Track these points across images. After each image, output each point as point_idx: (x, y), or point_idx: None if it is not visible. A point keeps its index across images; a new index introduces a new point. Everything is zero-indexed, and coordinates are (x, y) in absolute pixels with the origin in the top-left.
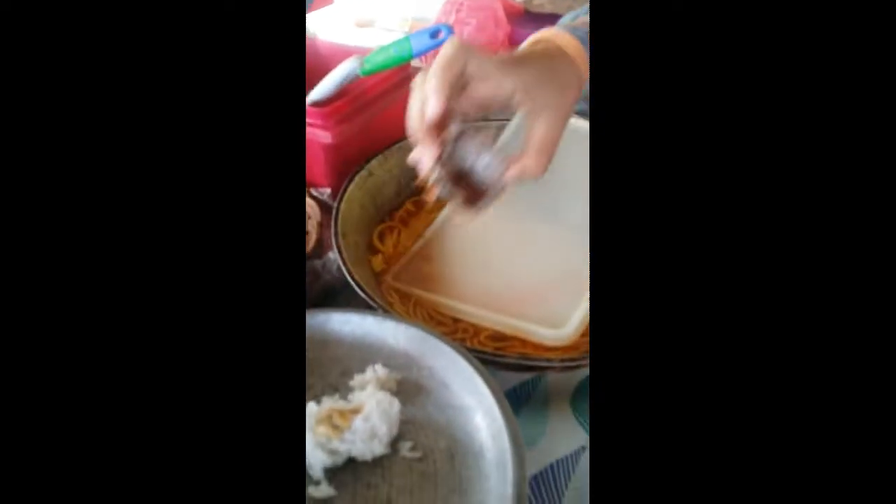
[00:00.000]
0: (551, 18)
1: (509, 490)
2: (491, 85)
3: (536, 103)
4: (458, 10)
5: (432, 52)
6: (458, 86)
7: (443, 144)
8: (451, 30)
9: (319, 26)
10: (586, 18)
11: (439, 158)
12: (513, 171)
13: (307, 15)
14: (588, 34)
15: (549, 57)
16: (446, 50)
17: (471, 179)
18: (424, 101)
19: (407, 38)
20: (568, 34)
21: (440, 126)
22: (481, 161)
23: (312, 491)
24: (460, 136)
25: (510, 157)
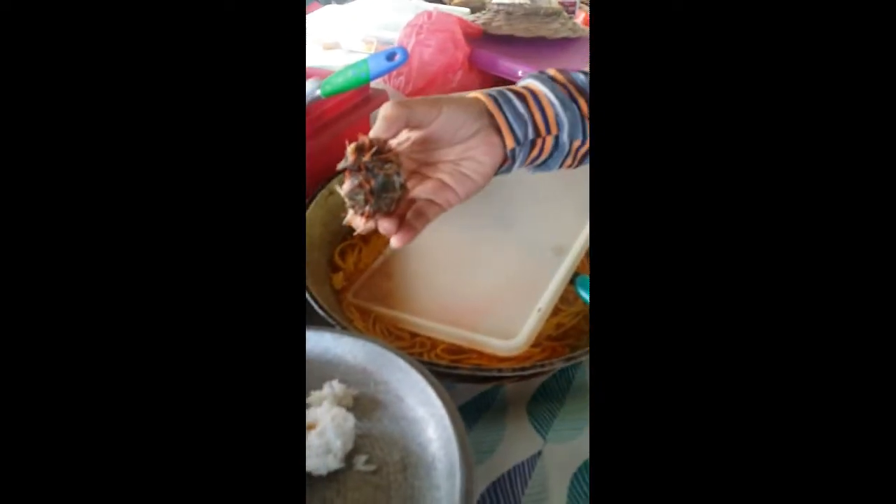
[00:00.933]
0: (507, 40)
1: (457, 498)
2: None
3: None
4: (418, 33)
5: (391, 72)
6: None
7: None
8: (406, 53)
9: None
10: (527, 83)
11: (360, 183)
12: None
13: None
14: (512, 99)
15: (465, 101)
16: (384, 112)
17: (387, 200)
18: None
19: (365, 61)
20: (486, 96)
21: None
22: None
23: None
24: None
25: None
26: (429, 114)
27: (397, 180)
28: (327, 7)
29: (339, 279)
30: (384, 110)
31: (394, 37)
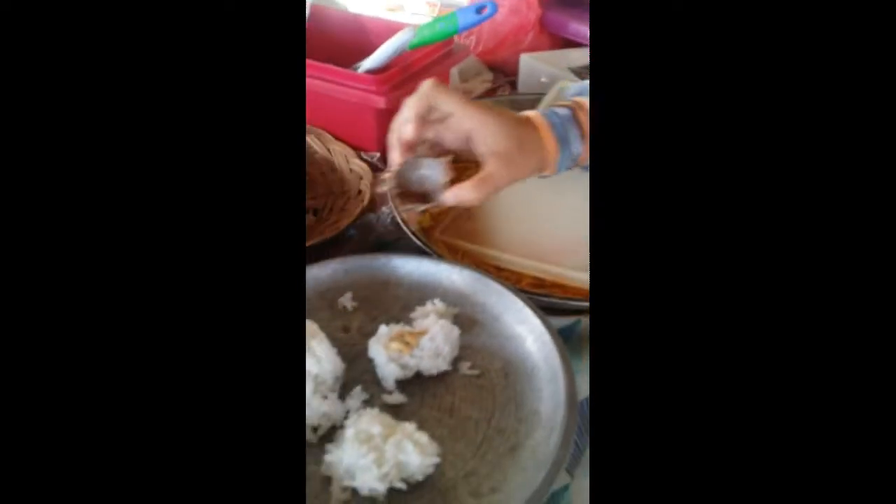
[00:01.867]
0: (577, 2)
1: (562, 397)
2: (452, 123)
3: (490, 147)
4: None
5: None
6: (432, 118)
7: (405, 155)
8: (495, 6)
9: (354, 8)
10: (578, 101)
11: (399, 166)
12: (450, 193)
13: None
14: (566, 120)
15: (517, 119)
16: (419, 88)
17: (417, 187)
18: (400, 127)
19: (454, 14)
20: (542, 116)
21: (410, 147)
22: (429, 173)
23: (386, 398)
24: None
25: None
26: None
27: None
28: None
29: (426, 219)
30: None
31: (457, 0)
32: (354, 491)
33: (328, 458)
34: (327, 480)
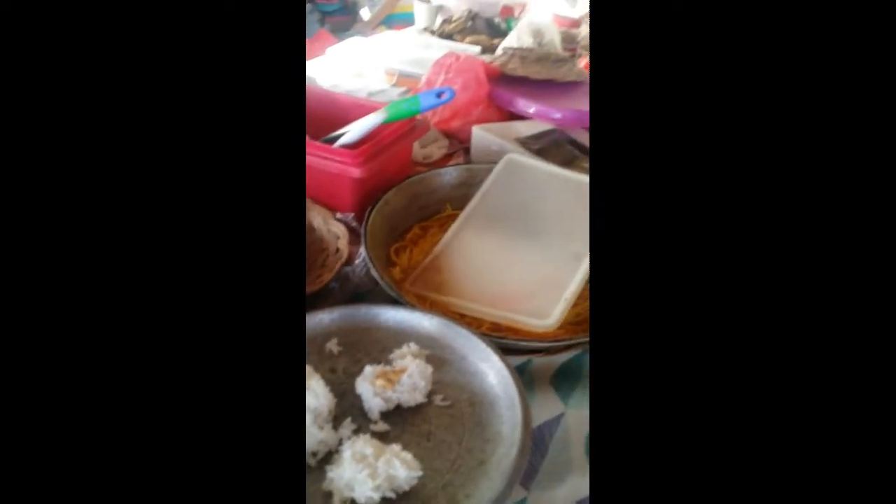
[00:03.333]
0: (521, 80)
1: (518, 420)
2: None
3: None
4: (446, 71)
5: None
6: None
7: None
8: (453, 92)
9: (317, 74)
10: None
11: None
12: None
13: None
14: None
15: None
16: None
17: None
18: None
19: (417, 97)
20: None
21: None
22: None
23: (373, 427)
24: None
25: None
26: None
27: None
28: (354, 38)
29: (396, 272)
30: None
31: (412, 70)
32: (353, 501)
33: (330, 475)
34: (328, 495)
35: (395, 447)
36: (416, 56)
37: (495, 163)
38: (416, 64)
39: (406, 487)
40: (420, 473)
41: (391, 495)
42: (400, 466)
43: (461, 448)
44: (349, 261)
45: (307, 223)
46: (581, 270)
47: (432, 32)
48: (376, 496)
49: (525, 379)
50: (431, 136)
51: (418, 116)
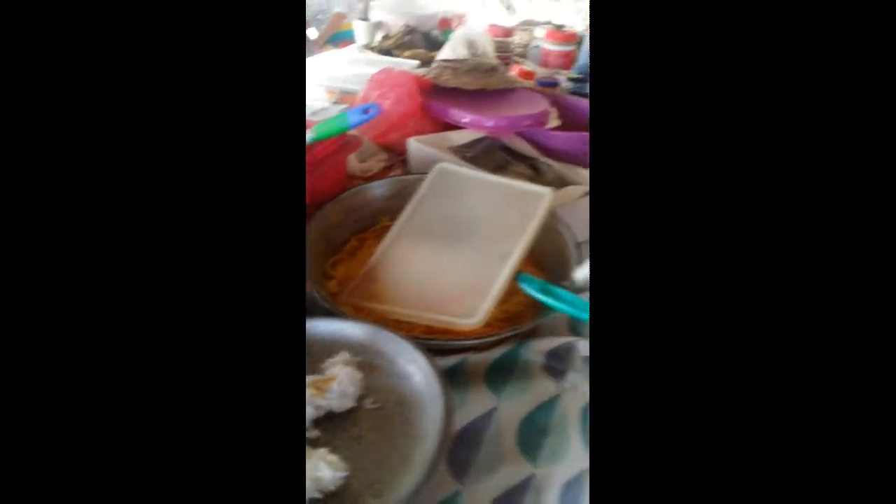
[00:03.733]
0: (454, 91)
1: (439, 414)
2: None
3: None
4: (380, 87)
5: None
6: None
7: None
8: (378, 108)
9: None
10: None
11: None
12: None
13: None
14: None
15: None
16: None
17: None
18: None
19: (345, 114)
20: None
21: None
22: None
23: (306, 433)
24: None
25: None
26: None
27: None
28: None
29: (333, 285)
30: None
31: (351, 87)
32: None
33: None
34: None
35: (322, 451)
36: (357, 73)
37: (427, 173)
38: (356, 80)
39: (332, 487)
40: (345, 474)
41: (318, 496)
42: (325, 468)
43: (390, 448)
44: None
45: None
46: (507, 269)
47: (372, 49)
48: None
49: (460, 378)
50: (370, 150)
51: (349, 132)
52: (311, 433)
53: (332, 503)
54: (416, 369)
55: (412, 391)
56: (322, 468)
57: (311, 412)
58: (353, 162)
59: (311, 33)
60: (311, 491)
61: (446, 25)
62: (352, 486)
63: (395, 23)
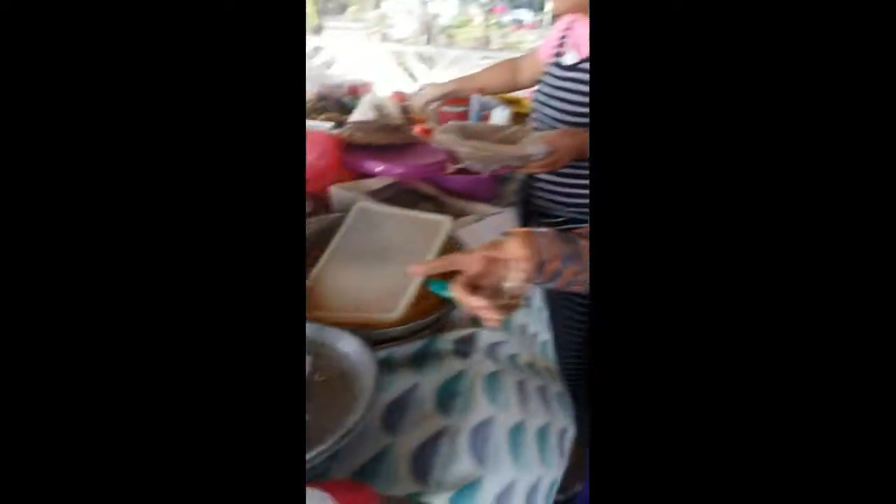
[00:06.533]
0: (366, 146)
1: (373, 372)
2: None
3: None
4: None
5: None
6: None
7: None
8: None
9: None
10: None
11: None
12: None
13: None
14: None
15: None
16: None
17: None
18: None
19: None
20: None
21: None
22: None
23: None
24: None
25: None
26: None
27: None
28: None
29: None
30: None
31: None
32: None
33: None
34: None
35: None
36: None
37: (348, 213)
38: None
39: None
40: (307, 418)
41: None
42: None
43: (336, 402)
44: None
45: None
46: (417, 278)
47: None
48: None
49: (388, 365)
50: None
51: None
52: None
53: None
54: (351, 351)
55: (351, 365)
56: None
57: None
58: None
59: None
60: None
61: (355, 92)
62: (311, 430)
63: (309, 91)
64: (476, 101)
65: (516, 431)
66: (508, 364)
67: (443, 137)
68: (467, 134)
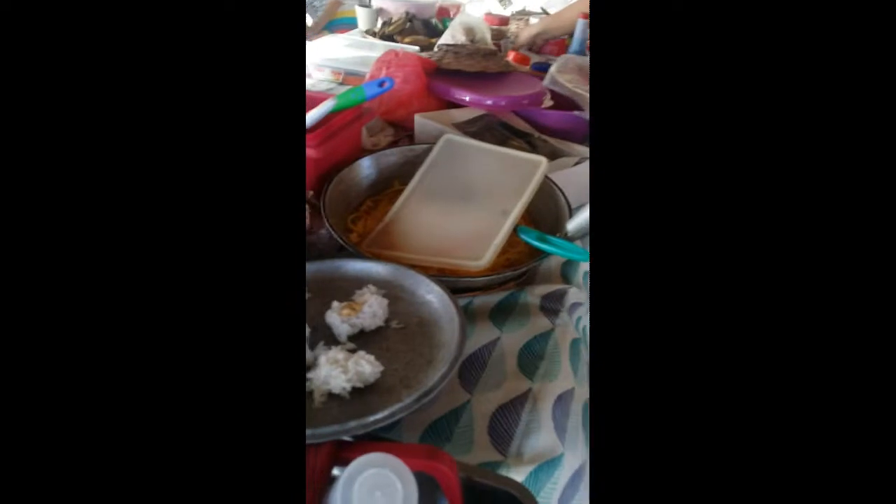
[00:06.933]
0: (456, 73)
1: (457, 331)
2: None
3: None
4: (388, 67)
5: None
6: None
7: None
8: (393, 81)
9: None
10: None
11: None
12: None
13: None
14: None
15: None
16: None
17: None
18: None
19: (361, 87)
20: None
21: None
22: None
23: (342, 347)
24: None
25: None
26: None
27: None
28: None
29: (353, 237)
30: None
31: (357, 69)
32: (330, 393)
33: (311, 375)
34: (310, 394)
35: (361, 352)
36: (360, 56)
37: (435, 143)
38: (360, 63)
39: (371, 380)
40: (382, 369)
41: (360, 385)
42: (366, 364)
43: (413, 354)
44: (312, 230)
45: None
46: (508, 223)
47: (374, 34)
48: (348, 386)
49: (468, 315)
50: (378, 126)
51: (364, 104)
52: (347, 346)
53: (372, 393)
54: (433, 298)
55: (430, 314)
56: (363, 364)
57: (346, 329)
58: (364, 136)
59: (307, 20)
60: (354, 381)
61: (444, 14)
62: (386, 380)
63: (396, 10)
64: (582, 27)
65: (586, 410)
66: (582, 334)
67: (559, 76)
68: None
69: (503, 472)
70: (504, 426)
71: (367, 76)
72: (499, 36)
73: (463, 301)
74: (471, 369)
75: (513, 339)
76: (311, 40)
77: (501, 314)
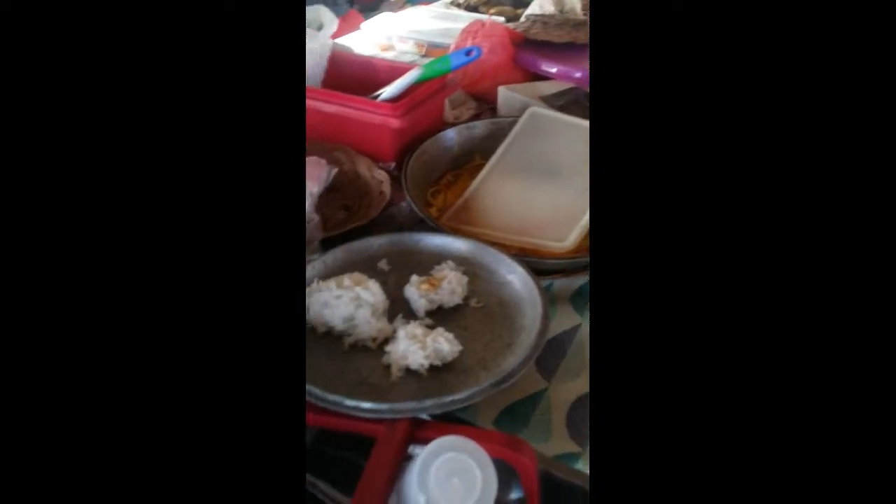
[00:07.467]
0: (544, 44)
1: (539, 315)
2: None
3: None
4: (473, 37)
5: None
6: None
7: None
8: (480, 50)
9: (353, 46)
10: None
11: None
12: None
13: (342, 39)
14: None
15: None
16: None
17: None
18: None
19: (447, 57)
20: None
21: None
22: None
23: (420, 322)
24: None
25: None
26: None
27: None
28: (382, 14)
29: (433, 210)
30: None
31: (441, 41)
32: (408, 368)
33: (389, 349)
34: (387, 367)
35: (440, 329)
36: (444, 27)
37: (519, 116)
38: (444, 34)
39: (449, 359)
40: (461, 348)
41: (438, 363)
42: (444, 342)
43: (493, 335)
44: (392, 202)
45: (354, 171)
46: None
47: (458, 5)
48: (426, 363)
49: (550, 298)
50: (461, 99)
51: (449, 75)
52: (426, 321)
53: (449, 372)
54: (514, 278)
55: (511, 295)
56: (441, 342)
57: (424, 304)
58: (446, 109)
59: None
60: (433, 359)
61: None
62: (465, 360)
63: None
64: None
65: None
66: None
67: None
68: None
69: (581, 465)
70: (584, 418)
71: (452, 47)
72: (588, 5)
73: (543, 283)
74: (549, 356)
75: None
76: (394, 12)
77: (583, 300)
